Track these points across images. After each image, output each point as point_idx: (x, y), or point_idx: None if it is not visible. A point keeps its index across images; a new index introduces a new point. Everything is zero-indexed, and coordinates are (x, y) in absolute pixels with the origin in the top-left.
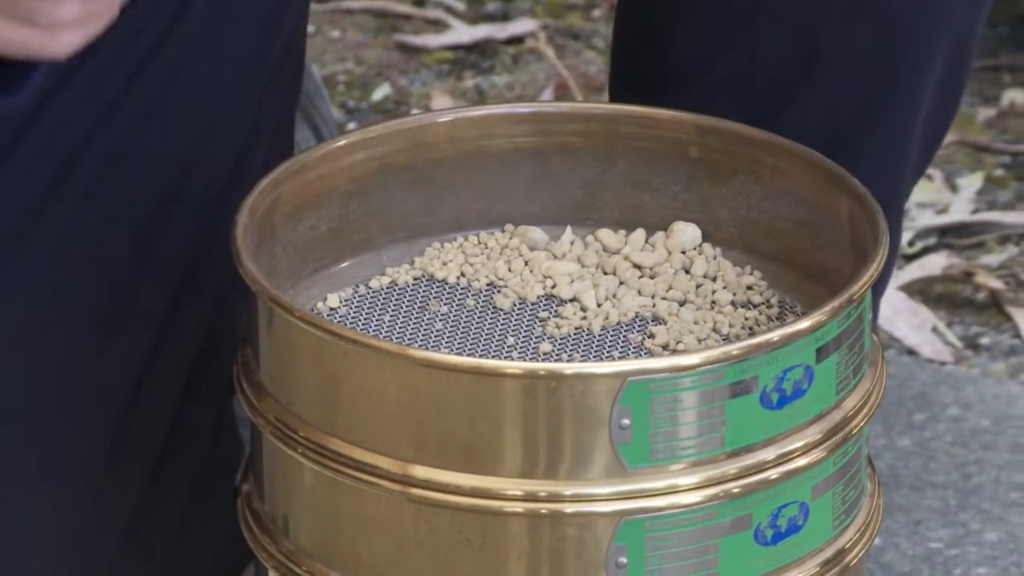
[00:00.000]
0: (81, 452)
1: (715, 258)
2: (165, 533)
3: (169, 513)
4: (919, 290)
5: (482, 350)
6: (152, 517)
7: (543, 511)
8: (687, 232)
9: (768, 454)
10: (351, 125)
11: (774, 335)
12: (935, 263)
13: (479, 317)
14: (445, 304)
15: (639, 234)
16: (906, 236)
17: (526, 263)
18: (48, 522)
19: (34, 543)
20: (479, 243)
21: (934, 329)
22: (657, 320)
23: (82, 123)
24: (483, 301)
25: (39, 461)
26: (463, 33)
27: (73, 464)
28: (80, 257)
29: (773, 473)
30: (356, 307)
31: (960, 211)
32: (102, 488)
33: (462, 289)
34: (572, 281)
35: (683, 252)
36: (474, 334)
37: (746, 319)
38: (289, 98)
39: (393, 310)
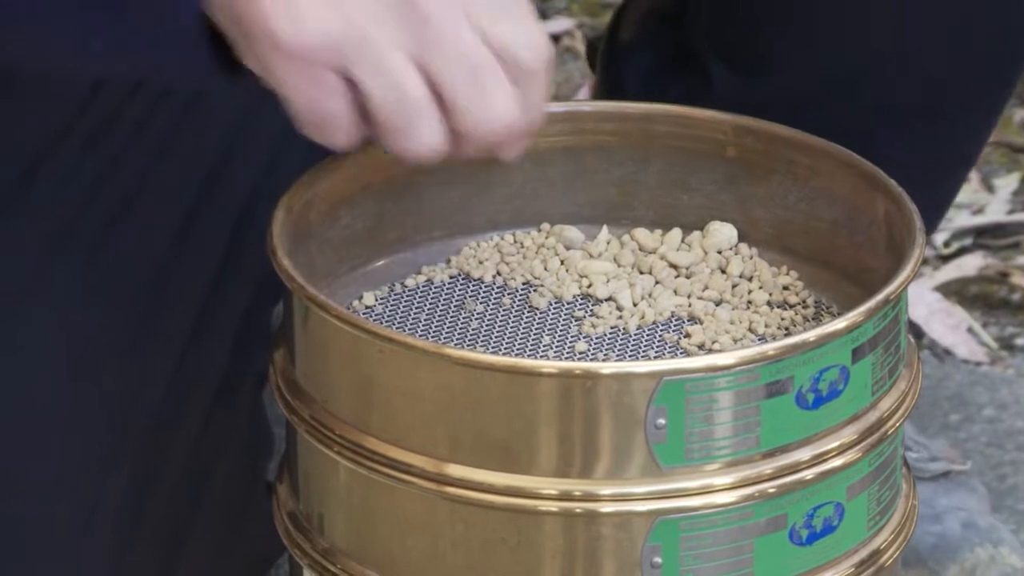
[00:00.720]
0: (118, 444)
1: (751, 258)
2: (197, 525)
3: (202, 503)
4: (954, 291)
5: (518, 349)
6: (185, 508)
7: (578, 510)
8: (723, 232)
9: (803, 454)
10: None
11: (810, 335)
12: (971, 264)
13: (515, 316)
14: (481, 303)
15: (675, 234)
16: (942, 236)
17: (562, 262)
18: (78, 512)
19: (63, 532)
20: (515, 242)
21: (969, 330)
22: (693, 320)
23: (132, 115)
24: (519, 300)
25: (81, 452)
26: None
27: (110, 455)
28: (124, 249)
29: (808, 473)
30: (392, 305)
31: (996, 212)
32: (136, 478)
33: (498, 288)
34: (608, 280)
35: (719, 252)
36: (510, 333)
37: (782, 319)
38: None
39: (429, 309)
